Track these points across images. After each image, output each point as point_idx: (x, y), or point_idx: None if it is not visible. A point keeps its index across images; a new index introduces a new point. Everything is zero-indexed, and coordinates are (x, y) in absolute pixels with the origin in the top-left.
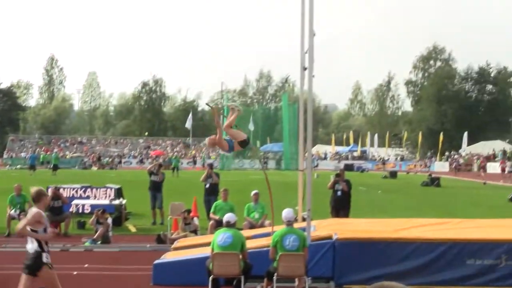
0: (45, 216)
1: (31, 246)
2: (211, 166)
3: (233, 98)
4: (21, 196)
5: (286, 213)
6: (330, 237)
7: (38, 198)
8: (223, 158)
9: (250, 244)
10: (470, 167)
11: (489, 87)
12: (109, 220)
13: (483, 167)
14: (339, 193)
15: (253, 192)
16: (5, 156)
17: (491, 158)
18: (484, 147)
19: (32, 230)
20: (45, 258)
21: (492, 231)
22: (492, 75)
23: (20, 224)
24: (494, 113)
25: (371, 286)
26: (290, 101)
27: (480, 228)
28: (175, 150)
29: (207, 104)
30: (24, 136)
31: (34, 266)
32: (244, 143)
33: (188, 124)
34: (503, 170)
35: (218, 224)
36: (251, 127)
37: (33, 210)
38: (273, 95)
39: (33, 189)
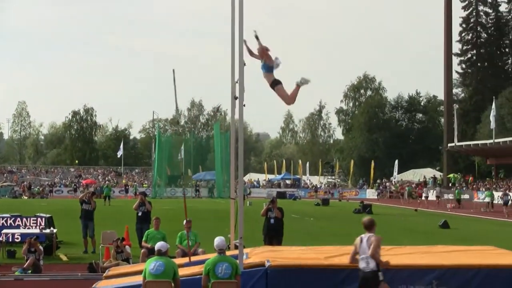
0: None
1: (366, 266)
2: (143, 194)
3: (165, 127)
4: None
5: (218, 241)
6: (262, 265)
7: (371, 226)
8: (155, 187)
9: (182, 272)
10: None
11: (419, 115)
12: (41, 249)
13: (402, 194)
14: (272, 220)
15: (185, 220)
16: None
17: (422, 185)
18: (415, 175)
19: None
20: (381, 276)
21: (423, 257)
22: (421, 104)
23: (372, 250)
24: (424, 141)
25: None
26: (222, 129)
27: (411, 254)
28: (106, 178)
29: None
30: None
31: (373, 284)
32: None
33: (120, 153)
34: (420, 196)
35: (150, 252)
36: (182, 155)
37: (374, 236)
38: (205, 124)
39: (366, 219)
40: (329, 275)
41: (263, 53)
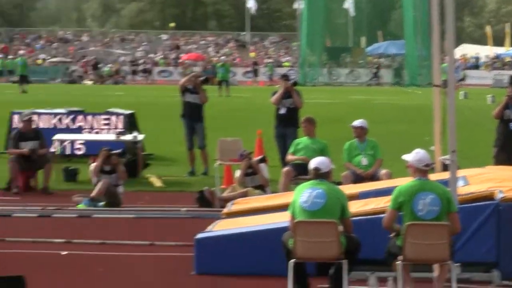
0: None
1: None
2: (286, 78)
3: None
4: None
5: (418, 155)
6: (491, 197)
7: None
8: (303, 66)
9: (355, 208)
10: None
11: None
12: (122, 169)
13: None
14: None
15: (356, 123)
16: None
17: None
18: None
19: None
20: None
21: None
22: None
23: None
24: None
25: None
26: None
27: None
28: (222, 52)
29: None
30: None
31: None
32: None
33: (253, 6)
34: None
35: (299, 173)
36: (351, 12)
37: None
38: None
39: None
40: None
41: None
